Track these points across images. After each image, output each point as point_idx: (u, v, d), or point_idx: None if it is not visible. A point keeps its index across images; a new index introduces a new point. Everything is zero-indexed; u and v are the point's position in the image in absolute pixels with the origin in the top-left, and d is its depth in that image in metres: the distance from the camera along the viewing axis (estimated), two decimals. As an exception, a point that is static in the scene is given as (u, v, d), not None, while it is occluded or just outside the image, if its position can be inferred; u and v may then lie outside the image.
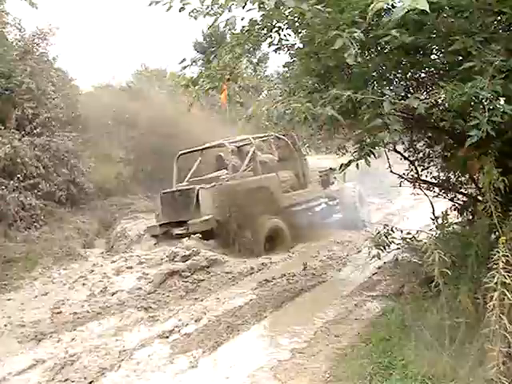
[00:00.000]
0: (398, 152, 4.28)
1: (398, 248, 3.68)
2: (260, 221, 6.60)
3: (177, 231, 6.74)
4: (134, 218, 8.89)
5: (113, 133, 11.80)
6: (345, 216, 8.06)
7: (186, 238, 6.34)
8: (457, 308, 2.60)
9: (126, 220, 8.80)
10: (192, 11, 2.75)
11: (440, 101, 2.64)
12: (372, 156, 2.73)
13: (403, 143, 4.43)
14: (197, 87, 3.52)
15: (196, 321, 4.10)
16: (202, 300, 4.69)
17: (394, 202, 10.08)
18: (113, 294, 4.88)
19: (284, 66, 4.14)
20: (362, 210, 8.40)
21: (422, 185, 4.18)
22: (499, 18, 2.68)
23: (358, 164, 2.79)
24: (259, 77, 18.78)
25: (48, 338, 3.92)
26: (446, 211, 3.41)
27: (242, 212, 6.54)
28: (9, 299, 5.20)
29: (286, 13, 2.77)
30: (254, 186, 6.93)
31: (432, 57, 2.98)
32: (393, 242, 3.54)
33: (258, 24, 2.98)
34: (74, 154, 9.37)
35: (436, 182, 4.23)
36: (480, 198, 3.14)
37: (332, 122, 2.75)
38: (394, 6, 2.42)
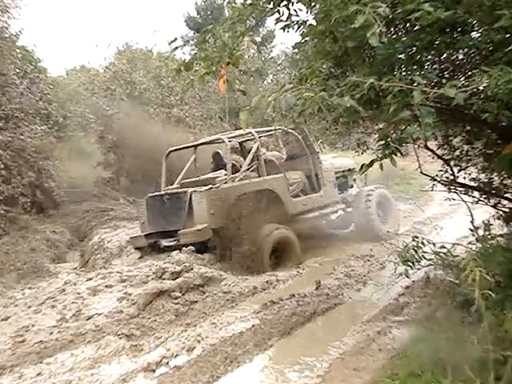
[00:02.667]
0: (430, 150, 4.27)
1: (430, 264, 3.67)
2: (264, 231, 6.60)
3: (165, 243, 6.76)
4: (115, 226, 8.89)
5: (91, 126, 11.86)
6: (366, 225, 8.05)
7: (177, 251, 6.34)
8: (503, 338, 2.58)
9: (104, 229, 8.79)
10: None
11: (482, 88, 2.62)
12: (398, 154, 2.73)
13: (436, 139, 4.42)
14: (190, 72, 3.51)
15: (188, 350, 4.09)
16: (195, 325, 4.69)
17: (425, 208, 10.05)
18: (88, 318, 4.87)
19: (294, 47, 4.13)
20: (389, 218, 8.39)
21: (459, 188, 4.17)
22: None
23: (381, 164, 2.79)
24: (264, 59, 18.82)
25: (8, 372, 3.87)
26: (489, 220, 3.39)
27: (243, 220, 6.54)
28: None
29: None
30: (257, 189, 6.96)
31: (472, 35, 2.97)
32: (423, 256, 3.54)
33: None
34: (43, 153, 9.35)
35: (476, 185, 4.22)
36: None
37: (351, 113, 2.73)
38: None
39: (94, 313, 4.96)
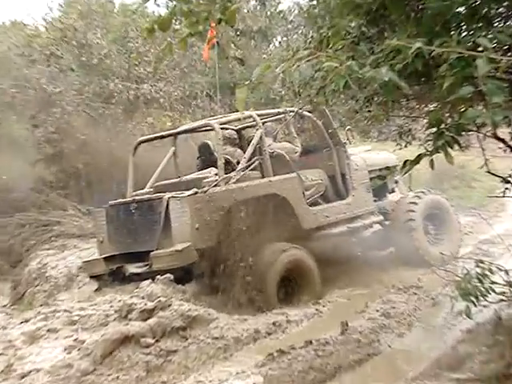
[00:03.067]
0: (501, 140, 4.27)
1: (502, 300, 3.68)
2: (270, 252, 6.61)
3: (133, 269, 6.77)
4: (61, 247, 8.90)
5: (27, 107, 11.88)
6: (407, 245, 8.09)
7: (148, 281, 6.33)
8: None
9: (46, 250, 8.80)
10: None
11: None
12: (456, 147, 2.74)
13: (509, 125, 4.42)
14: (168, 33, 3.53)
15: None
16: (173, 385, 4.69)
17: (493, 222, 10.04)
18: (23, 376, 4.86)
19: (310, -2, 4.16)
20: (445, 235, 8.40)
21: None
22: None
23: (432, 160, 2.81)
24: (270, 15, 18.81)
25: None
26: None
27: (241, 238, 6.56)
28: None
29: None
30: (260, 195, 6.96)
31: None
32: (492, 289, 3.54)
33: None
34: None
35: None
36: None
37: (390, 90, 2.74)
38: None
39: (32, 368, 4.94)
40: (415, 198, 8.37)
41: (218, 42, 9.09)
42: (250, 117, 7.61)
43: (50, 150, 11.91)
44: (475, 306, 3.49)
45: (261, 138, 7.34)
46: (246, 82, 2.94)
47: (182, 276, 6.49)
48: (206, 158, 7.89)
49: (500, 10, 3.20)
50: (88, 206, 10.10)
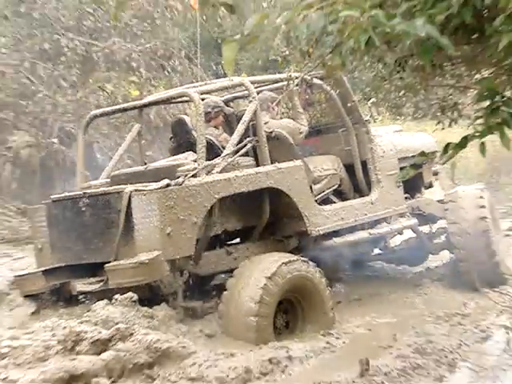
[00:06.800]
0: None
1: None
2: (265, 265, 6.60)
3: (82, 287, 6.78)
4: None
5: None
6: (459, 258, 8.12)
7: (103, 302, 6.34)
8: None
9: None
10: None
11: None
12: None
13: None
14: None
15: None
16: None
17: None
18: None
19: None
20: (496, 246, 8.44)
21: None
22: None
23: (483, 144, 2.80)
24: None
25: None
26: None
27: (227, 245, 6.42)
28: None
29: None
30: (253, 188, 6.97)
31: None
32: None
33: None
34: None
35: None
36: None
37: (429, 50, 2.73)
38: None
39: None
40: (480, 191, 8.37)
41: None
42: (241, 84, 7.59)
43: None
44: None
45: (255, 112, 7.29)
46: (236, 36, 2.91)
47: (149, 296, 6.50)
48: (181, 139, 7.86)
49: None
50: (23, 201, 10.11)
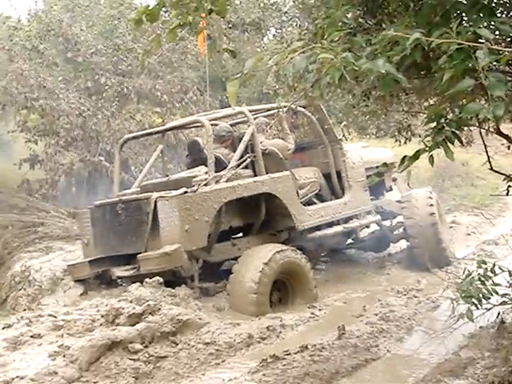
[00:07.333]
0: (504, 136, 4.24)
1: (505, 302, 3.66)
2: (262, 254, 6.58)
3: (120, 272, 6.76)
4: (46, 249, 8.84)
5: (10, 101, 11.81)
6: (413, 245, 8.16)
7: (136, 285, 6.33)
8: None
9: (30, 253, 8.75)
10: None
11: None
12: (457, 143, 2.72)
13: (512, 120, 4.40)
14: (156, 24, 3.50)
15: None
16: (162, 393, 4.67)
17: (497, 222, 10.05)
18: (7, 383, 4.82)
19: (305, -13, 4.14)
20: (442, 235, 8.43)
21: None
22: None
23: (432, 156, 2.78)
24: (263, 6, 18.78)
25: None
26: None
27: (232, 238, 6.43)
28: None
29: None
30: (252, 194, 6.97)
31: None
32: (495, 291, 3.54)
33: None
34: None
35: None
36: None
37: (388, 84, 2.72)
38: None
39: (14, 375, 4.87)
40: (428, 195, 8.34)
41: (209, 35, 9.05)
42: (241, 112, 7.58)
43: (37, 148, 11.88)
44: (477, 308, 3.48)
45: (252, 134, 7.31)
46: (237, 75, 2.91)
47: (172, 279, 6.49)
48: (196, 157, 7.84)
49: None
50: (73, 206, 10.08)
